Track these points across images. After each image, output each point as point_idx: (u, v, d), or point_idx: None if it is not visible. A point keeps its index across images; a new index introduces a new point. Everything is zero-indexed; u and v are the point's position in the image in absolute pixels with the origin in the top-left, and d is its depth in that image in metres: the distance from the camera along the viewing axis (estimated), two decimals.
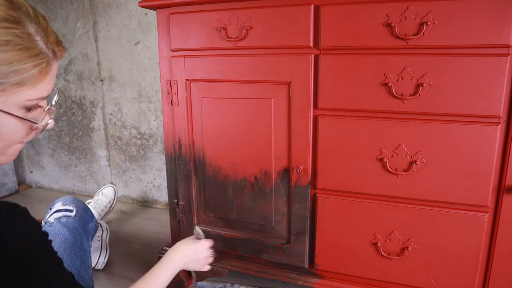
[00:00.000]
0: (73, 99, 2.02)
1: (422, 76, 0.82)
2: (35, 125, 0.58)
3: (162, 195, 1.95)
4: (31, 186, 2.29)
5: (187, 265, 0.92)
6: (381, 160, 0.89)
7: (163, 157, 1.87)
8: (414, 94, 0.83)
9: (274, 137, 0.98)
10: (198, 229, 0.99)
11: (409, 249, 0.91)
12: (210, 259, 0.99)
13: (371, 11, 0.82)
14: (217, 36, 0.98)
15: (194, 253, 0.93)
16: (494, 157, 0.80)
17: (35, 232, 0.60)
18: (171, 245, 1.20)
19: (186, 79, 1.04)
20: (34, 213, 1.14)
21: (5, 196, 2.09)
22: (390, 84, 0.84)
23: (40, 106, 0.58)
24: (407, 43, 0.81)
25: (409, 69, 0.82)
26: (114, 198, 1.71)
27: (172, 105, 1.07)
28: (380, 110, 0.87)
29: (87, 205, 1.30)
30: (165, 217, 1.82)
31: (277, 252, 1.05)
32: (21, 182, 2.29)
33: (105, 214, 1.66)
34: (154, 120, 1.85)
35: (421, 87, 0.82)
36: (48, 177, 2.23)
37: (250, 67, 0.96)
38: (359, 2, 0.83)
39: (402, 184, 0.88)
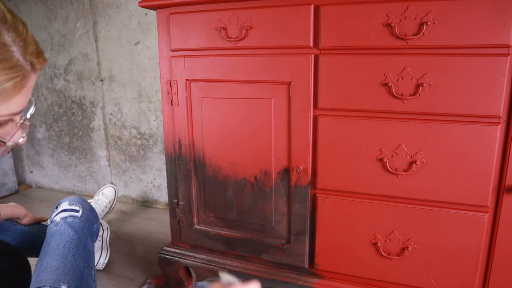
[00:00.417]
0: (73, 99, 2.02)
1: (422, 76, 0.82)
2: (2, 143, 0.53)
3: (162, 195, 1.95)
4: (31, 186, 2.30)
5: None
6: (381, 160, 0.89)
7: (163, 157, 1.87)
8: (414, 94, 0.83)
9: (274, 137, 0.98)
10: (226, 276, 0.65)
11: (409, 249, 0.91)
12: None
13: (371, 11, 0.82)
14: (217, 36, 0.98)
15: None
16: (494, 157, 0.80)
17: None
18: (171, 245, 1.20)
19: (186, 79, 1.04)
20: (34, 213, 1.15)
21: (5, 196, 2.09)
22: (390, 84, 0.84)
23: (12, 120, 0.53)
24: (407, 43, 0.81)
25: (409, 69, 0.82)
26: (114, 198, 1.71)
27: (172, 105, 1.07)
28: (380, 110, 0.87)
29: None
30: (165, 217, 1.82)
31: (277, 252, 1.05)
32: (21, 182, 2.29)
33: (105, 214, 1.66)
34: (154, 120, 1.85)
35: (421, 87, 0.82)
36: (48, 177, 2.23)
37: (250, 67, 0.96)
38: (359, 2, 0.83)
39: (402, 184, 0.88)
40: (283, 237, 1.04)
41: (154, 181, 1.94)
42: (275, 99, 0.96)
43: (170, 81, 1.06)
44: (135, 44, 1.78)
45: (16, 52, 0.48)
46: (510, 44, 0.75)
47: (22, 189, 2.22)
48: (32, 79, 0.52)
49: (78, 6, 1.86)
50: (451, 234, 0.87)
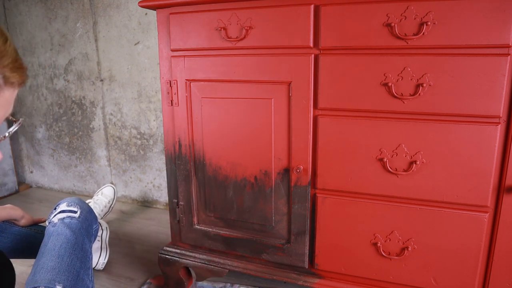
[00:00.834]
0: (73, 99, 2.02)
1: (422, 76, 0.82)
2: None
3: (162, 195, 1.95)
4: (31, 186, 2.30)
5: None
6: (381, 160, 0.89)
7: (163, 157, 1.87)
8: (414, 94, 0.83)
9: (274, 137, 0.98)
10: None
11: (409, 249, 0.91)
12: None
13: (371, 11, 0.83)
14: (217, 36, 0.98)
15: None
16: (494, 157, 0.80)
17: None
18: (171, 245, 1.20)
19: (186, 79, 1.04)
20: (34, 213, 1.15)
21: (5, 196, 2.09)
22: (390, 84, 0.84)
23: None
24: (407, 43, 0.81)
25: (409, 69, 0.82)
26: (114, 198, 1.71)
27: (172, 105, 1.07)
28: (380, 110, 0.87)
29: None
30: (165, 217, 1.82)
31: (277, 252, 1.05)
32: (21, 182, 2.29)
33: (105, 214, 1.65)
34: (154, 120, 1.85)
35: (421, 87, 0.82)
36: (48, 177, 2.23)
37: (250, 67, 0.96)
38: (359, 2, 0.83)
39: (402, 184, 0.88)
40: (283, 237, 1.04)
41: (154, 181, 1.94)
42: (275, 99, 0.96)
43: (170, 81, 1.06)
44: (135, 44, 1.78)
45: None
46: (510, 44, 0.75)
47: (22, 189, 2.22)
48: (8, 94, 0.48)
49: (78, 6, 1.86)
50: (451, 234, 0.87)
